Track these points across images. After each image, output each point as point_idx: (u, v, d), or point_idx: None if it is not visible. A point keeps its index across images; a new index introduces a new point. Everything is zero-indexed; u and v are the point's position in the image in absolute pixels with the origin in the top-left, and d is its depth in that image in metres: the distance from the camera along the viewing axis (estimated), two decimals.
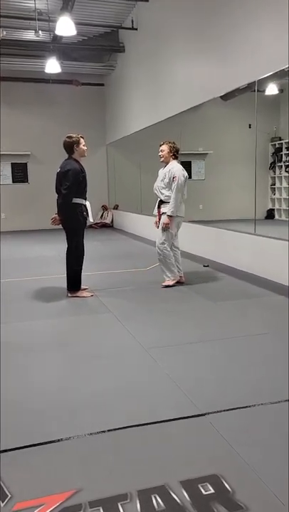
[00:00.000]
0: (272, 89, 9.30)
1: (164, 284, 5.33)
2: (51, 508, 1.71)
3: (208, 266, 6.46)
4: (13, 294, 5.11)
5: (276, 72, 5.38)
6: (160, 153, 5.24)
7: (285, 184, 11.83)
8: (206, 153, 12.00)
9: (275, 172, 12.21)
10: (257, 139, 6.81)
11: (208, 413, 2.38)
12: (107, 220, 12.71)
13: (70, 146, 4.80)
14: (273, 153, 12.16)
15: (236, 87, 6.24)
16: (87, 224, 4.96)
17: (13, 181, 12.29)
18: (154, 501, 1.73)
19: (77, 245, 4.86)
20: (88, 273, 5.46)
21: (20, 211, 12.23)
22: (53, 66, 9.62)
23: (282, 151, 11.89)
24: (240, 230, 6.37)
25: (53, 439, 2.17)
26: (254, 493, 1.76)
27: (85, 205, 4.84)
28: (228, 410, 2.41)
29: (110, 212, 12.84)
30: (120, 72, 11.18)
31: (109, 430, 2.24)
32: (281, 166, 11.95)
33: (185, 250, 5.35)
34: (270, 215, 12.21)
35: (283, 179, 11.88)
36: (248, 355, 3.22)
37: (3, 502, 1.74)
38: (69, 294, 4.92)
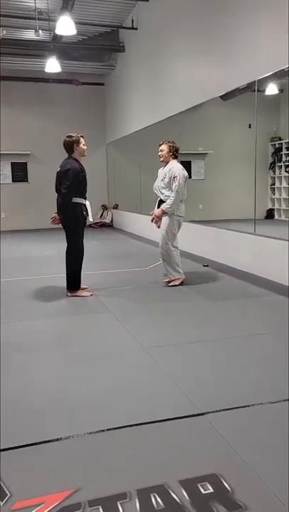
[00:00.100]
0: (272, 89, 9.29)
1: (166, 280, 5.37)
2: (51, 507, 1.71)
3: (208, 266, 6.46)
4: (12, 293, 5.11)
5: (276, 72, 5.38)
6: (159, 153, 5.24)
7: (284, 184, 11.83)
8: (206, 153, 12.00)
9: (274, 172, 12.21)
10: (257, 138, 6.81)
11: (208, 413, 2.38)
12: (107, 220, 12.71)
13: (70, 146, 4.80)
14: (273, 153, 12.16)
15: (236, 86, 6.25)
16: (87, 223, 4.96)
17: (13, 181, 12.29)
18: (153, 500, 1.73)
19: (76, 245, 4.87)
20: (88, 272, 5.46)
21: (20, 210, 12.23)
22: (53, 65, 9.61)
23: (282, 151, 11.89)
24: (240, 230, 6.37)
25: (52, 438, 2.17)
26: (253, 493, 1.77)
27: (84, 205, 4.84)
28: (227, 410, 2.41)
29: (110, 212, 12.84)
30: (120, 72, 11.18)
31: (108, 429, 2.25)
32: (281, 166, 11.95)
33: (185, 250, 5.35)
34: (269, 214, 12.21)
35: (283, 179, 11.88)
36: (248, 355, 3.23)
37: (2, 501, 1.74)
38: (69, 294, 4.93)
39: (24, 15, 8.95)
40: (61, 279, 5.14)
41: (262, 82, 6.06)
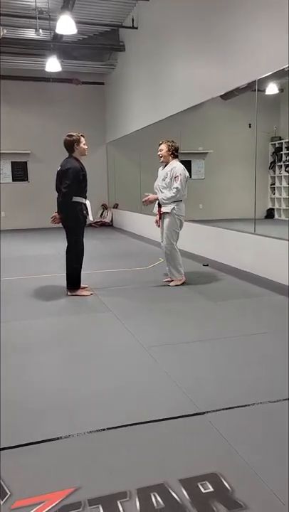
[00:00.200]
0: (272, 88, 9.29)
1: (166, 280, 5.38)
2: (51, 506, 1.71)
3: (207, 265, 6.46)
4: (12, 292, 5.11)
5: (276, 72, 5.38)
6: (159, 153, 5.23)
7: (284, 184, 11.83)
8: (206, 153, 12.00)
9: (274, 171, 12.21)
10: (257, 138, 6.81)
11: (208, 412, 2.38)
12: (107, 219, 12.71)
13: (71, 145, 4.80)
14: (273, 153, 12.16)
15: (236, 86, 6.25)
16: (87, 223, 4.96)
17: (13, 180, 12.29)
18: (153, 499, 1.74)
19: (77, 244, 4.87)
20: (88, 272, 5.46)
21: (20, 210, 12.23)
22: (53, 65, 9.61)
23: (282, 150, 11.89)
24: (240, 230, 6.37)
25: (52, 437, 2.18)
26: (253, 492, 1.77)
27: (85, 204, 4.84)
28: (227, 409, 2.42)
29: (110, 211, 12.84)
30: (120, 71, 11.18)
31: (108, 428, 2.25)
32: (281, 165, 11.95)
33: (185, 250, 5.36)
34: (269, 214, 12.21)
35: (283, 179, 11.88)
36: (248, 354, 3.23)
37: (2, 500, 1.75)
38: (69, 293, 4.93)
39: (24, 14, 8.95)
40: (61, 279, 5.15)
41: (262, 82, 6.05)
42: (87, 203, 4.89)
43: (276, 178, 12.15)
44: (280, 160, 12.00)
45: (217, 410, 2.40)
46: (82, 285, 5.01)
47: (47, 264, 6.77)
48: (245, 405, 2.46)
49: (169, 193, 5.05)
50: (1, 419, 2.35)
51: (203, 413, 2.37)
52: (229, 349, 3.32)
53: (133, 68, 10.25)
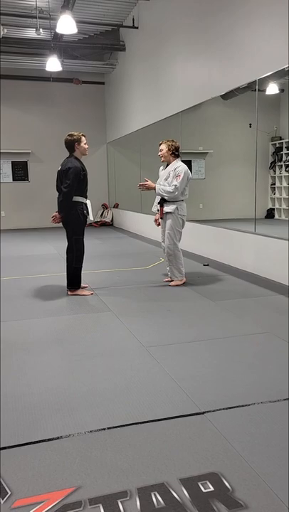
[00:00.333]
0: (272, 88, 9.29)
1: (166, 280, 5.40)
2: (51, 505, 1.72)
3: (208, 265, 6.47)
4: (13, 292, 5.12)
5: (276, 72, 5.38)
6: (159, 153, 5.23)
7: (285, 184, 11.83)
8: (206, 153, 12.00)
9: (275, 171, 12.21)
10: (257, 138, 6.81)
11: (208, 411, 2.39)
12: (107, 219, 12.72)
13: (71, 145, 4.80)
14: (273, 153, 12.16)
15: (237, 86, 6.25)
16: (88, 222, 4.96)
17: (14, 179, 12.29)
18: (153, 499, 1.74)
19: (77, 243, 4.87)
20: (88, 271, 5.46)
21: (20, 209, 12.24)
22: (53, 64, 9.61)
23: (282, 150, 11.89)
24: (240, 230, 6.37)
25: (52, 436, 2.18)
26: (253, 491, 1.77)
27: (85, 204, 4.84)
28: (227, 409, 2.42)
29: (110, 211, 12.84)
30: (121, 71, 11.18)
31: (108, 428, 2.25)
32: (281, 165, 11.95)
33: (185, 249, 5.36)
34: (270, 214, 12.22)
35: (283, 179, 11.88)
36: (248, 354, 3.23)
37: (3, 499, 1.75)
38: (69, 293, 4.93)
39: (25, 13, 8.96)
40: (61, 278, 5.15)
41: (262, 82, 6.05)
42: (88, 202, 4.89)
43: (276, 178, 12.15)
44: (280, 160, 12.00)
45: (217, 410, 2.40)
46: (82, 285, 5.02)
47: (47, 263, 6.77)
48: (246, 405, 2.46)
49: (168, 188, 5.04)
50: (1, 419, 2.35)
51: (203, 413, 2.38)
52: (229, 349, 3.32)
53: (133, 68, 10.25)
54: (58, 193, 4.82)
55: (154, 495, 1.76)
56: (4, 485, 1.83)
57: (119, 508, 1.69)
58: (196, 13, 7.06)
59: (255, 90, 6.03)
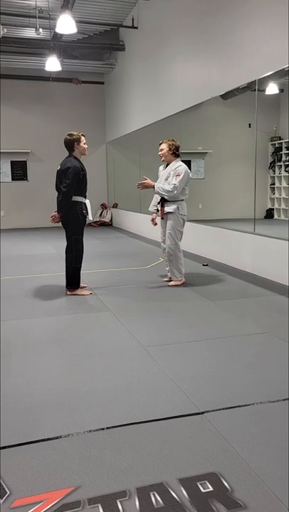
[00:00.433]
0: (272, 88, 9.29)
1: (166, 280, 5.40)
2: (50, 505, 1.71)
3: (207, 265, 6.47)
4: (12, 291, 5.11)
5: (276, 72, 5.38)
6: (160, 153, 5.22)
7: (284, 184, 11.83)
8: (206, 152, 12.00)
9: (274, 171, 12.22)
10: (257, 138, 6.81)
11: (207, 411, 2.38)
12: (106, 219, 12.71)
13: (71, 144, 4.79)
14: (273, 153, 12.17)
15: (236, 86, 6.25)
16: (87, 222, 4.96)
17: (13, 179, 12.29)
18: (152, 499, 1.74)
19: (76, 243, 4.86)
20: (87, 271, 5.46)
21: (19, 209, 12.24)
22: (53, 64, 9.61)
23: (281, 150, 11.89)
24: (239, 230, 6.37)
25: (52, 436, 2.18)
26: (252, 491, 1.77)
27: (84, 204, 4.84)
28: (226, 409, 2.42)
29: (109, 211, 12.84)
30: (120, 71, 11.18)
31: (108, 428, 2.25)
32: (281, 165, 11.95)
33: (184, 249, 5.36)
34: (269, 214, 12.22)
35: (283, 179, 11.89)
36: (247, 354, 3.23)
37: (2, 499, 1.75)
38: (68, 292, 4.93)
39: (25, 13, 8.95)
40: (60, 278, 5.15)
41: (262, 82, 6.05)
42: (87, 202, 4.89)
43: (276, 178, 12.16)
44: (279, 160, 12.00)
45: (217, 410, 2.40)
46: (81, 284, 5.01)
47: (46, 263, 6.77)
48: (245, 405, 2.46)
49: (167, 187, 5.04)
50: (1, 418, 2.35)
51: (203, 413, 2.38)
52: (228, 349, 3.32)
53: (133, 68, 10.25)
54: (57, 193, 4.82)
55: (153, 495, 1.76)
56: (3, 484, 1.83)
57: (118, 508, 1.69)
58: (196, 13, 7.06)
59: (255, 90, 6.03)
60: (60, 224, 4.86)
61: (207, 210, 10.61)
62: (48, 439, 2.15)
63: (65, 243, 4.91)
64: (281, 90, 10.26)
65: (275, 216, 12.16)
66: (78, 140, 4.78)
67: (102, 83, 12.50)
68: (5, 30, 8.77)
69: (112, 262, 6.90)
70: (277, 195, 12.12)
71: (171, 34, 8.00)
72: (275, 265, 5.37)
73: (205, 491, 1.78)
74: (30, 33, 9.60)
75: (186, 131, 8.83)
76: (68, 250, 4.89)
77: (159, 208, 5.27)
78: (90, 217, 4.93)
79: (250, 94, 6.66)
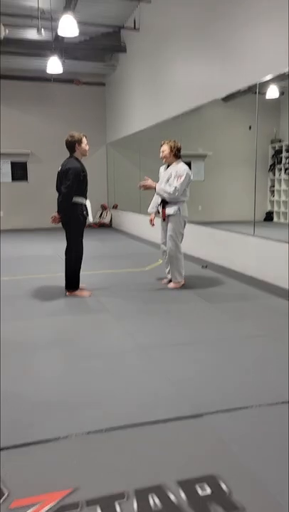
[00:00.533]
0: (273, 91, 9.30)
1: (165, 281, 5.41)
2: (49, 506, 1.71)
3: (206, 267, 6.47)
4: (11, 292, 5.11)
5: (278, 75, 5.39)
6: (161, 154, 5.22)
7: (284, 187, 11.84)
8: (206, 155, 12.01)
9: (274, 174, 12.22)
10: (257, 140, 6.82)
11: (206, 414, 2.38)
12: (106, 220, 12.71)
13: (72, 145, 4.79)
14: (273, 156, 12.18)
15: (237, 89, 6.26)
16: (87, 223, 4.96)
17: (13, 180, 12.28)
18: (151, 501, 1.74)
19: (76, 244, 4.87)
20: (87, 272, 5.46)
21: (19, 210, 12.23)
22: (54, 65, 9.62)
23: (282, 153, 11.90)
24: (239, 232, 6.38)
25: (50, 437, 2.18)
26: (251, 494, 1.77)
27: (85, 205, 4.84)
28: (225, 411, 2.42)
29: (109, 212, 12.84)
30: (121, 72, 11.19)
31: (106, 429, 2.25)
32: (281, 168, 11.96)
33: (184, 251, 5.36)
34: (268, 217, 12.23)
35: (283, 181, 11.89)
36: (246, 356, 3.23)
37: (0, 499, 1.75)
38: (67, 293, 4.93)
39: (27, 14, 8.96)
40: (60, 279, 5.15)
41: (263, 85, 6.06)
42: (88, 203, 4.89)
43: (276, 181, 12.17)
44: (279, 163, 12.01)
45: (215, 412, 2.40)
46: (80, 286, 5.01)
47: (46, 264, 6.77)
48: (244, 408, 2.46)
49: (168, 188, 5.04)
50: (0, 419, 2.35)
51: (202, 415, 2.38)
52: (228, 351, 3.32)
53: (134, 69, 10.27)
54: (57, 194, 4.82)
55: (152, 497, 1.76)
56: (2, 485, 1.83)
57: (117, 510, 1.69)
58: (197, 16, 7.07)
59: (256, 93, 6.04)
60: (60, 225, 4.86)
61: (207, 212, 10.61)
62: (47, 441, 2.15)
63: (65, 244, 4.91)
64: (282, 93, 10.28)
65: (275, 219, 12.17)
66: (79, 141, 4.78)
67: (104, 84, 12.51)
68: (7, 31, 8.78)
69: (111, 263, 6.90)
70: (277, 197, 12.13)
71: (173, 36, 8.01)
72: (274, 268, 5.38)
73: (203, 493, 1.78)
74: (32, 34, 9.61)
75: (186, 133, 8.83)
76: (68, 251, 4.89)
77: (160, 210, 5.27)
78: (90, 218, 4.93)
79: (250, 97, 6.66)
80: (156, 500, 1.74)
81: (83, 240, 4.93)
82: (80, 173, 4.69)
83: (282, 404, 2.50)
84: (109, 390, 2.70)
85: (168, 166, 5.24)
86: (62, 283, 5.00)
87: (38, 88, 11.90)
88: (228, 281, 5.63)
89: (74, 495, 1.77)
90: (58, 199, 4.78)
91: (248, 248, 6.01)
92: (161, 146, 5.22)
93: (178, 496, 1.76)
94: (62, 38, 9.40)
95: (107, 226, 12.63)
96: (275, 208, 12.21)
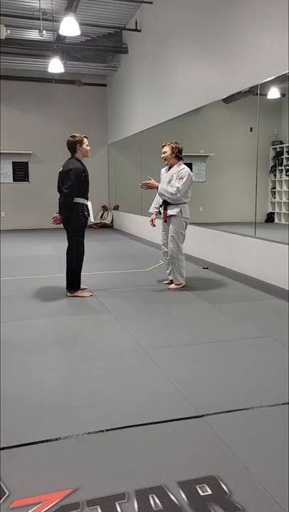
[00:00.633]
0: (274, 93, 9.32)
1: (166, 282, 5.41)
2: (49, 506, 1.72)
3: (207, 268, 6.47)
4: (12, 292, 5.12)
5: (279, 76, 5.39)
6: (163, 155, 5.23)
7: (285, 188, 11.85)
8: (207, 156, 12.03)
9: (275, 176, 12.24)
10: (258, 142, 6.82)
11: (206, 415, 2.39)
12: (107, 221, 12.72)
13: (73, 146, 4.81)
14: (274, 157, 12.19)
15: (238, 90, 6.26)
16: (88, 224, 4.97)
17: (14, 180, 12.29)
18: (151, 501, 1.74)
19: (77, 245, 4.87)
20: (88, 273, 5.47)
21: (20, 210, 12.24)
22: (56, 66, 9.64)
23: (283, 154, 11.91)
24: (240, 233, 6.38)
25: (51, 437, 2.18)
26: (251, 495, 1.77)
27: (86, 205, 4.85)
28: (226, 412, 2.42)
29: (110, 213, 12.86)
30: (123, 73, 11.21)
31: (107, 430, 2.25)
32: (282, 169, 11.97)
33: (185, 252, 5.37)
34: (269, 218, 12.24)
35: (284, 183, 11.90)
36: (246, 357, 3.23)
37: (1, 499, 1.75)
38: (68, 294, 4.93)
39: (28, 15, 8.99)
40: (61, 279, 5.15)
41: (264, 86, 6.07)
42: (89, 204, 4.90)
43: (277, 182, 12.18)
44: (280, 164, 12.02)
45: (216, 413, 2.41)
46: (82, 286, 5.02)
47: (47, 264, 6.77)
48: (244, 409, 2.46)
49: (170, 189, 5.04)
50: (1, 419, 2.35)
51: (202, 416, 2.38)
52: (228, 352, 3.33)
53: (135, 70, 10.28)
54: (59, 194, 4.83)
55: (152, 497, 1.76)
56: (3, 485, 1.83)
57: (117, 510, 1.70)
58: (199, 17, 7.08)
59: (257, 94, 6.05)
60: (61, 225, 4.86)
61: (208, 213, 10.62)
62: (48, 441, 2.16)
63: (66, 244, 4.92)
64: (283, 95, 10.30)
65: (276, 220, 12.17)
66: (81, 142, 4.79)
67: (105, 85, 12.52)
68: (9, 31, 8.80)
69: (112, 264, 6.90)
70: (278, 199, 12.14)
71: (174, 37, 8.03)
72: (275, 269, 5.38)
73: (204, 494, 1.78)
74: (33, 34, 9.63)
75: (187, 134, 8.84)
76: (69, 252, 4.90)
77: (162, 211, 5.28)
78: (91, 218, 4.94)
79: (252, 98, 6.67)
80: (157, 501, 1.74)
81: (84, 241, 4.94)
82: (81, 173, 4.70)
83: (282, 405, 2.50)
84: (110, 390, 2.71)
85: (169, 168, 5.25)
86: (63, 283, 5.00)
87: (39, 89, 11.92)
88: (229, 283, 5.64)
89: (74, 495, 1.78)
90: (59, 199, 4.79)
91: (249, 249, 6.01)
92: (163, 147, 5.23)
93: (178, 497, 1.76)
94: (64, 38, 9.43)
95: (108, 227, 12.64)
96: (276, 209, 12.22)
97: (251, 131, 9.81)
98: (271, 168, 12.26)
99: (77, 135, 4.83)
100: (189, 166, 5.33)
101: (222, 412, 2.42)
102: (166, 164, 5.27)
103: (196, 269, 6.43)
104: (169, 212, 5.17)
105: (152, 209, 5.44)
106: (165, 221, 5.28)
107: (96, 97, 12.52)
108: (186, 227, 5.26)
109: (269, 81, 5.65)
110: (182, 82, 7.86)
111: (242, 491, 1.80)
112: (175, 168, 5.14)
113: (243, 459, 2.00)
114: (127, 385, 2.78)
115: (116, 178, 12.57)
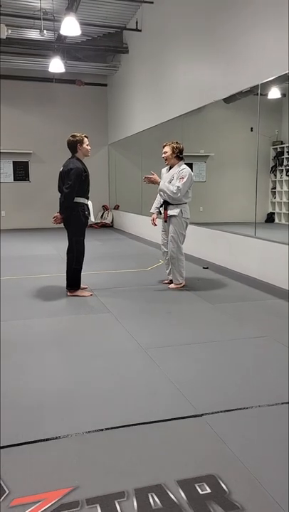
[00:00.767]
0: (275, 93, 9.33)
1: (166, 282, 5.41)
2: (49, 505, 1.72)
3: (207, 268, 6.48)
4: (12, 292, 5.12)
5: (279, 76, 5.40)
6: (163, 155, 5.23)
7: (285, 188, 11.85)
8: (208, 156, 12.03)
9: (275, 176, 12.24)
10: (258, 142, 6.83)
11: (206, 414, 2.39)
12: (108, 220, 12.73)
13: (74, 146, 4.81)
14: (274, 157, 12.19)
15: (239, 90, 6.27)
16: (89, 223, 4.97)
17: (15, 179, 12.30)
18: (151, 500, 1.74)
19: (78, 244, 4.88)
20: (88, 272, 5.47)
21: (21, 209, 12.25)
22: (56, 65, 9.64)
23: (283, 154, 11.92)
24: (240, 233, 6.39)
25: (51, 436, 2.19)
26: (250, 494, 1.78)
27: (86, 205, 4.85)
28: (225, 411, 2.43)
29: (110, 213, 12.86)
30: (123, 73, 11.21)
31: (107, 429, 2.26)
32: (282, 169, 11.98)
33: (185, 252, 5.37)
34: (270, 218, 12.24)
35: (284, 183, 11.91)
36: (247, 357, 3.24)
37: (1, 498, 1.76)
38: (68, 293, 4.94)
39: (29, 15, 8.99)
40: (61, 279, 5.16)
41: (265, 86, 6.08)
42: (90, 203, 4.90)
43: (277, 182, 12.18)
44: (281, 164, 12.03)
45: (215, 412, 2.41)
46: (82, 286, 5.02)
47: (47, 264, 6.77)
48: (244, 408, 2.47)
49: (171, 187, 5.04)
50: (0, 418, 2.35)
51: (202, 415, 2.38)
52: (228, 352, 3.33)
53: (136, 70, 10.28)
54: (59, 194, 4.84)
55: (151, 496, 1.77)
56: (2, 483, 1.84)
57: (117, 509, 1.70)
58: (199, 17, 7.09)
59: (258, 94, 6.05)
60: (61, 225, 4.87)
61: (208, 213, 10.63)
62: (47, 440, 2.16)
63: (66, 244, 4.92)
64: (283, 95, 10.30)
65: (276, 220, 12.18)
66: (81, 141, 4.80)
67: (105, 85, 12.53)
68: (9, 31, 8.80)
69: (113, 264, 6.91)
70: (278, 199, 12.14)
71: (175, 37, 8.03)
72: (275, 269, 5.38)
73: (203, 492, 1.78)
74: (34, 34, 9.63)
75: (188, 134, 8.85)
76: (69, 251, 4.90)
77: (162, 211, 5.29)
78: (92, 218, 4.94)
79: (252, 98, 6.68)
80: (156, 500, 1.75)
81: (85, 240, 4.94)
82: (81, 173, 4.71)
83: (282, 405, 2.50)
84: (110, 389, 2.71)
85: (170, 168, 5.25)
86: (64, 283, 5.01)
87: (40, 88, 11.92)
88: (229, 283, 5.64)
89: (74, 493, 1.78)
90: (60, 199, 4.79)
91: (249, 249, 6.02)
92: (164, 147, 5.23)
93: (178, 495, 1.77)
94: (65, 38, 9.43)
95: (109, 226, 12.64)
96: (277, 209, 12.22)
97: (252, 131, 9.81)
98: (271, 168, 12.27)
99: (78, 135, 4.83)
100: (190, 166, 5.33)
101: (221, 412, 2.42)
102: (167, 164, 5.28)
103: (196, 269, 6.43)
104: (170, 212, 5.17)
105: (154, 209, 5.45)
106: (165, 221, 5.28)
107: (96, 97, 12.52)
108: (186, 227, 5.26)
109: (270, 81, 5.66)
110: (183, 82, 7.86)
111: (241, 489, 1.80)
112: (176, 168, 5.15)
113: (243, 458, 2.00)
114: (126, 384, 2.78)
115: (116, 177, 12.58)
